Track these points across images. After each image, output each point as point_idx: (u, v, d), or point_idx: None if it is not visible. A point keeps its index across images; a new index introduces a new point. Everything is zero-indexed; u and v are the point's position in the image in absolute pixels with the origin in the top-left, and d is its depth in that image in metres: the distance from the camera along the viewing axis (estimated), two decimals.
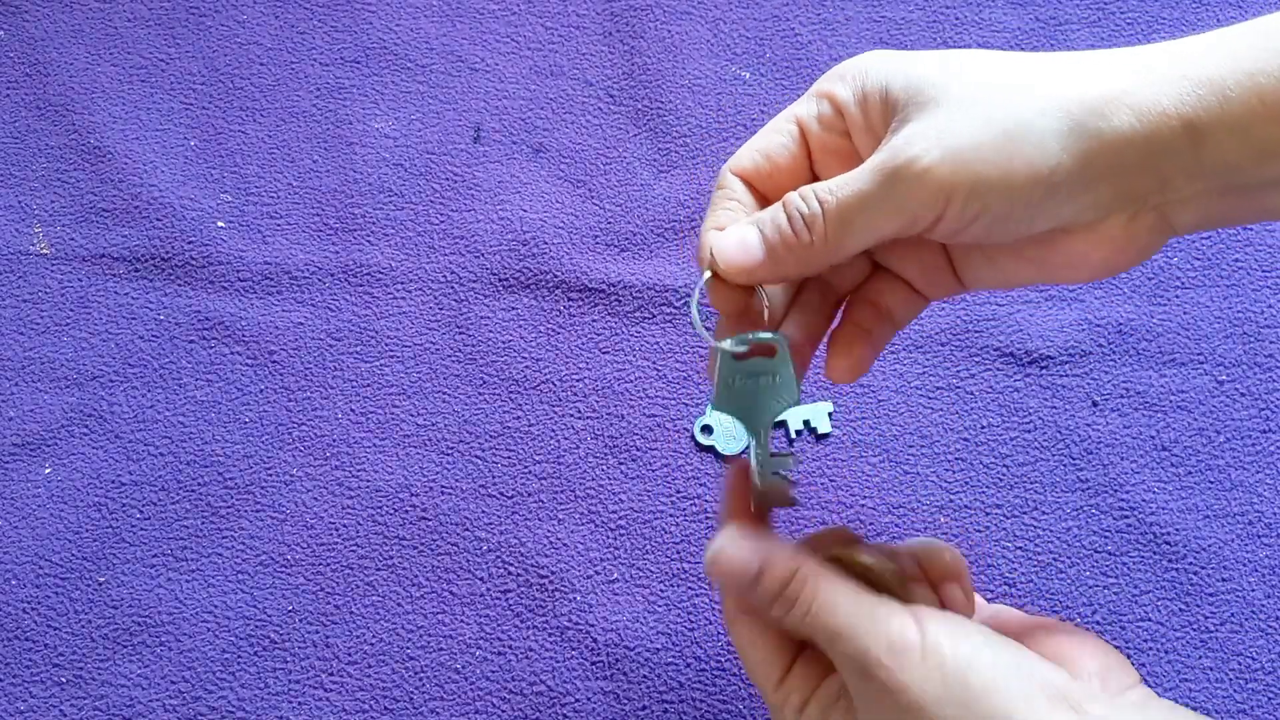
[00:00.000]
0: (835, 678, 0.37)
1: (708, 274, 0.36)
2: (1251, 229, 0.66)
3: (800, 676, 0.38)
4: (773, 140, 0.38)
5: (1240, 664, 0.56)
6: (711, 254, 0.36)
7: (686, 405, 0.62)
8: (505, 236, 0.67)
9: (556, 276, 0.65)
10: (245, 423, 0.62)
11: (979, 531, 0.59)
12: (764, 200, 0.39)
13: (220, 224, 0.68)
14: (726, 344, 0.36)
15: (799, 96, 0.70)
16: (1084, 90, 0.32)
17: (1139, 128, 0.31)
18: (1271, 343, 0.63)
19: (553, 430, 0.62)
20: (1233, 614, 0.57)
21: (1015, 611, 0.41)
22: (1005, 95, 0.32)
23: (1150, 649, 0.56)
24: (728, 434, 0.61)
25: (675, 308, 0.65)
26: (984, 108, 0.32)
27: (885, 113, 0.35)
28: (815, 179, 0.39)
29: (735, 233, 0.36)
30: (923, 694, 0.33)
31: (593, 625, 0.57)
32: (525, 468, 0.61)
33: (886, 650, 0.34)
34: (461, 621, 0.57)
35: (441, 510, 0.60)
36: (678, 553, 0.59)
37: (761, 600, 0.37)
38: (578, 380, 0.63)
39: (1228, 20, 0.72)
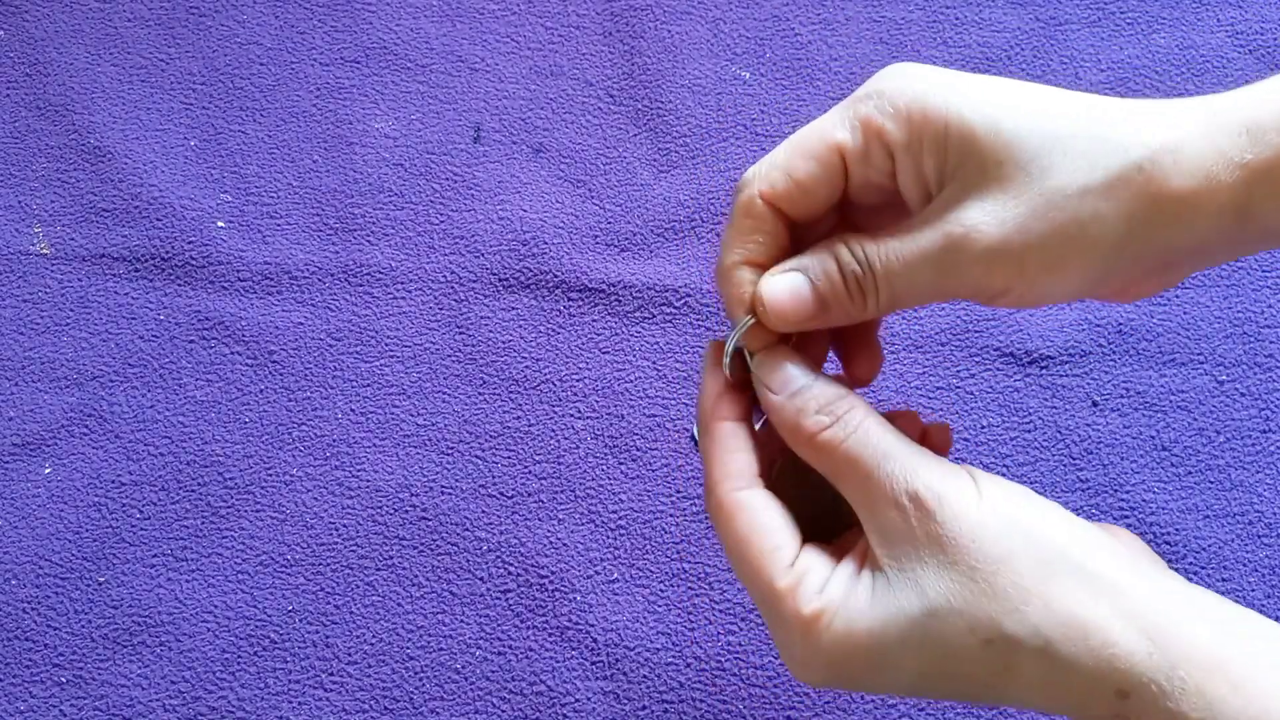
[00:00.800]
0: (860, 546, 0.32)
1: (749, 319, 0.34)
2: None
3: (815, 556, 0.32)
4: (811, 169, 0.33)
5: None
6: (760, 301, 0.34)
7: (686, 405, 0.62)
8: (505, 236, 0.67)
9: (556, 276, 0.65)
10: (245, 423, 0.62)
11: None
12: (788, 226, 0.36)
13: (220, 224, 0.68)
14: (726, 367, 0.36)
15: (799, 96, 0.69)
16: (1150, 190, 0.30)
17: (1194, 221, 0.31)
18: (1271, 343, 0.63)
19: (553, 430, 0.62)
20: None
21: None
22: (1071, 187, 0.30)
23: None
24: None
25: (675, 308, 0.65)
26: (1048, 201, 0.30)
27: (940, 165, 0.32)
28: (847, 206, 0.37)
29: (786, 283, 0.33)
30: (980, 529, 0.29)
31: (593, 625, 0.57)
32: (525, 468, 0.61)
33: (940, 479, 0.30)
34: (461, 621, 0.57)
35: (441, 510, 0.60)
36: (678, 553, 0.59)
37: (809, 403, 0.33)
38: (578, 380, 0.63)
39: (1228, 20, 0.72)
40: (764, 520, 0.32)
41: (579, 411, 0.62)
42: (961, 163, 0.31)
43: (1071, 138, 0.30)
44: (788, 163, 0.33)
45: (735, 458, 0.33)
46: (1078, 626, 0.28)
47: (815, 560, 0.32)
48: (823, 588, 0.31)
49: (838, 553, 0.33)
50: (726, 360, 0.35)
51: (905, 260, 0.32)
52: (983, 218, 0.30)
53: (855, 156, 0.33)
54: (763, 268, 0.34)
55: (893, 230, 0.32)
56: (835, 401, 0.33)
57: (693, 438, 0.61)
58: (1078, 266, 0.31)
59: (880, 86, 0.32)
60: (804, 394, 0.33)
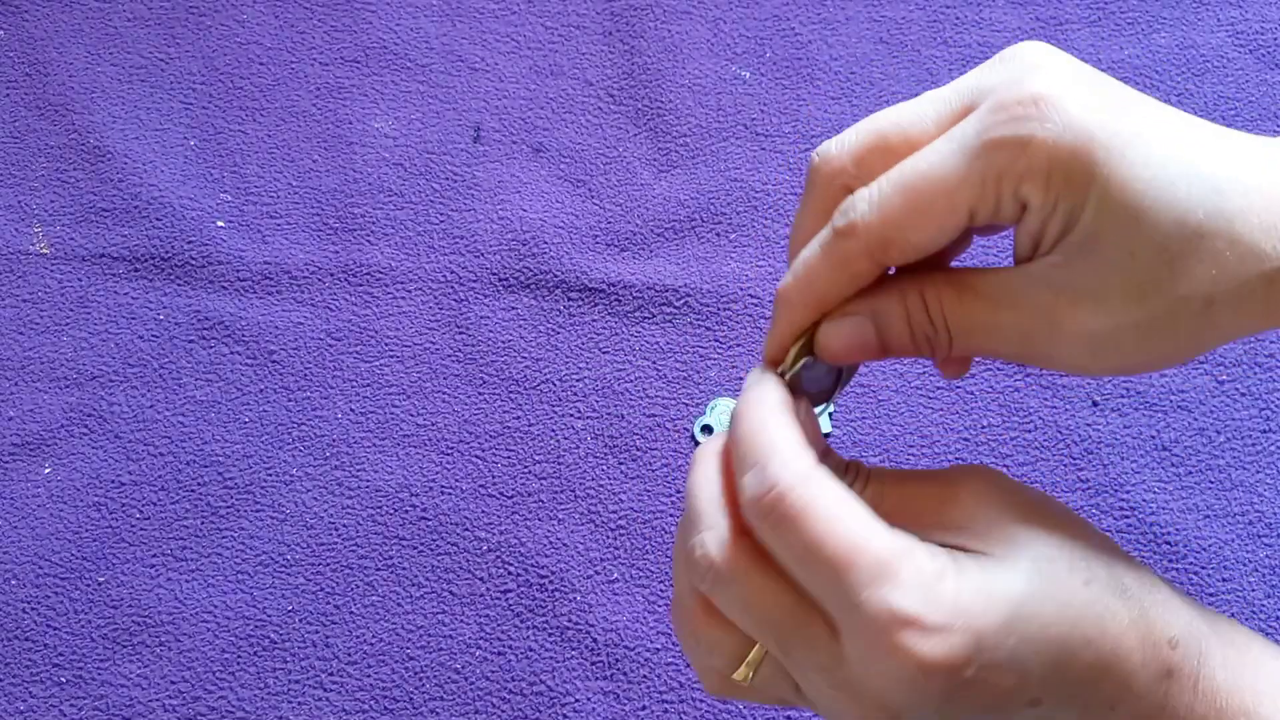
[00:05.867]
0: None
1: (803, 356, 0.31)
2: None
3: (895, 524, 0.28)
4: (928, 230, 0.28)
5: None
6: (818, 343, 0.31)
7: (686, 405, 0.62)
8: (505, 236, 0.67)
9: (556, 276, 0.65)
10: (245, 423, 0.62)
11: None
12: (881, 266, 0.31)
13: (220, 224, 0.68)
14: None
15: (799, 96, 0.69)
16: (1272, 301, 0.28)
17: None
18: (1272, 342, 0.63)
19: (553, 430, 0.62)
20: (1233, 613, 0.56)
21: None
22: (1198, 297, 0.27)
23: None
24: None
25: (675, 308, 0.65)
26: (1172, 308, 0.27)
27: (1066, 227, 0.27)
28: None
29: (851, 327, 0.30)
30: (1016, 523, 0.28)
31: (593, 625, 0.57)
32: (525, 468, 0.61)
33: (958, 474, 0.29)
34: (461, 621, 0.57)
35: (441, 510, 0.60)
36: None
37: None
38: (578, 380, 0.63)
39: (1228, 20, 0.72)
40: (841, 490, 0.28)
41: (579, 411, 0.62)
42: (1094, 237, 0.27)
43: (1213, 237, 0.26)
44: (903, 219, 0.28)
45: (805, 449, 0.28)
46: (1136, 575, 0.28)
47: (898, 526, 0.28)
48: (931, 552, 0.27)
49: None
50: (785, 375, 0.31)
51: (987, 328, 0.29)
52: (1099, 315, 0.27)
53: (982, 213, 0.28)
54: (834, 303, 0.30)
55: (980, 288, 0.29)
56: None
57: (693, 437, 0.61)
58: (1175, 363, 0.29)
59: (1026, 132, 0.26)
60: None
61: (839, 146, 0.30)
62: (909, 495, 0.29)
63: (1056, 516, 0.29)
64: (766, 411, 0.29)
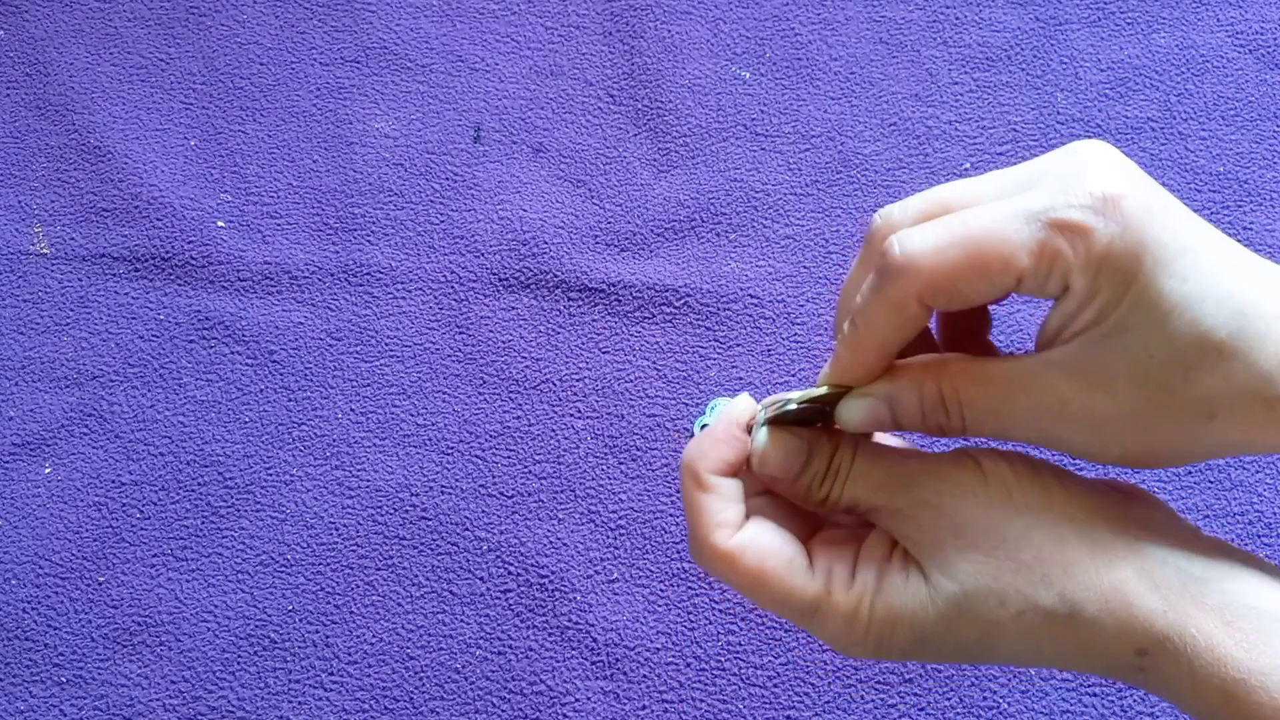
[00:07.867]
0: (876, 534, 0.33)
1: (789, 402, 0.33)
2: (1250, 228, 0.66)
3: (828, 552, 0.32)
4: (979, 286, 0.29)
5: None
6: (837, 416, 0.33)
7: (686, 405, 0.62)
8: (505, 236, 0.67)
9: (556, 276, 0.65)
10: (245, 423, 0.62)
11: None
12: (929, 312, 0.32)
13: (220, 224, 0.68)
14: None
15: (799, 96, 0.68)
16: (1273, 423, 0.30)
17: None
18: None
19: (553, 430, 0.62)
20: None
21: None
22: (1209, 407, 0.29)
23: None
24: None
25: (675, 308, 0.65)
26: (1180, 411, 0.29)
27: (1098, 318, 0.29)
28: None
29: (867, 409, 0.32)
30: (993, 512, 0.30)
31: (593, 625, 0.57)
32: (525, 468, 0.61)
33: (943, 477, 0.31)
34: (461, 621, 0.57)
35: (441, 510, 0.60)
36: (678, 553, 0.59)
37: (812, 479, 0.33)
38: (578, 380, 0.63)
39: (1228, 20, 0.72)
40: (767, 544, 0.32)
41: (579, 411, 0.62)
42: (1119, 333, 0.28)
43: (1231, 358, 0.28)
44: (957, 271, 0.29)
45: (728, 507, 0.33)
46: (1099, 590, 0.29)
47: (830, 554, 0.33)
48: (853, 577, 0.32)
49: (849, 540, 0.33)
50: (761, 420, 0.34)
51: (1001, 414, 0.31)
52: (1106, 402, 0.29)
53: (1029, 283, 0.29)
54: (887, 358, 0.32)
55: (998, 376, 0.31)
56: (829, 461, 0.33)
57: (692, 435, 0.61)
58: (1173, 463, 0.31)
59: (1090, 222, 0.28)
60: (809, 470, 0.33)
61: (902, 211, 0.31)
62: (881, 490, 0.32)
63: (1015, 535, 0.30)
64: (690, 485, 0.33)
